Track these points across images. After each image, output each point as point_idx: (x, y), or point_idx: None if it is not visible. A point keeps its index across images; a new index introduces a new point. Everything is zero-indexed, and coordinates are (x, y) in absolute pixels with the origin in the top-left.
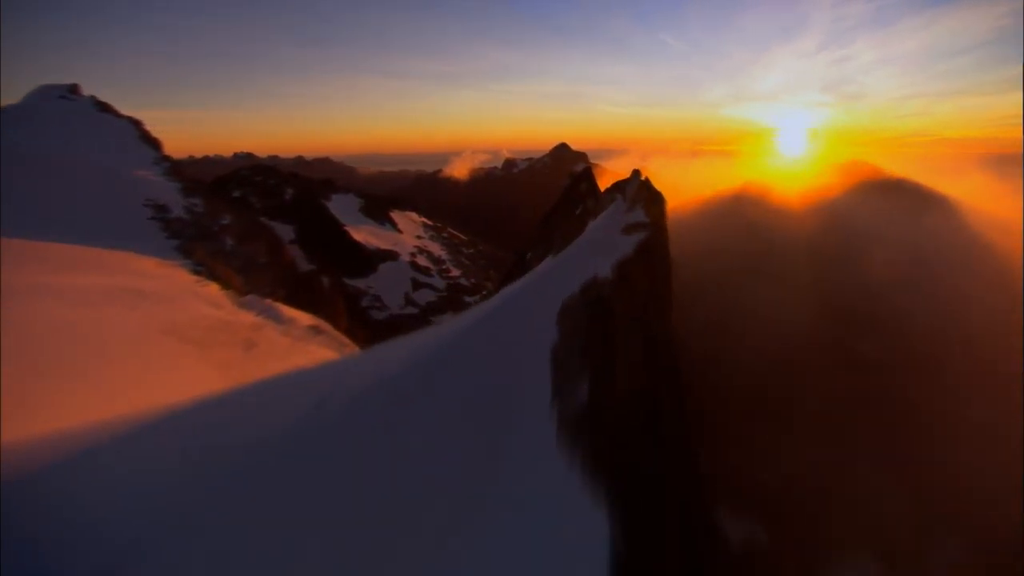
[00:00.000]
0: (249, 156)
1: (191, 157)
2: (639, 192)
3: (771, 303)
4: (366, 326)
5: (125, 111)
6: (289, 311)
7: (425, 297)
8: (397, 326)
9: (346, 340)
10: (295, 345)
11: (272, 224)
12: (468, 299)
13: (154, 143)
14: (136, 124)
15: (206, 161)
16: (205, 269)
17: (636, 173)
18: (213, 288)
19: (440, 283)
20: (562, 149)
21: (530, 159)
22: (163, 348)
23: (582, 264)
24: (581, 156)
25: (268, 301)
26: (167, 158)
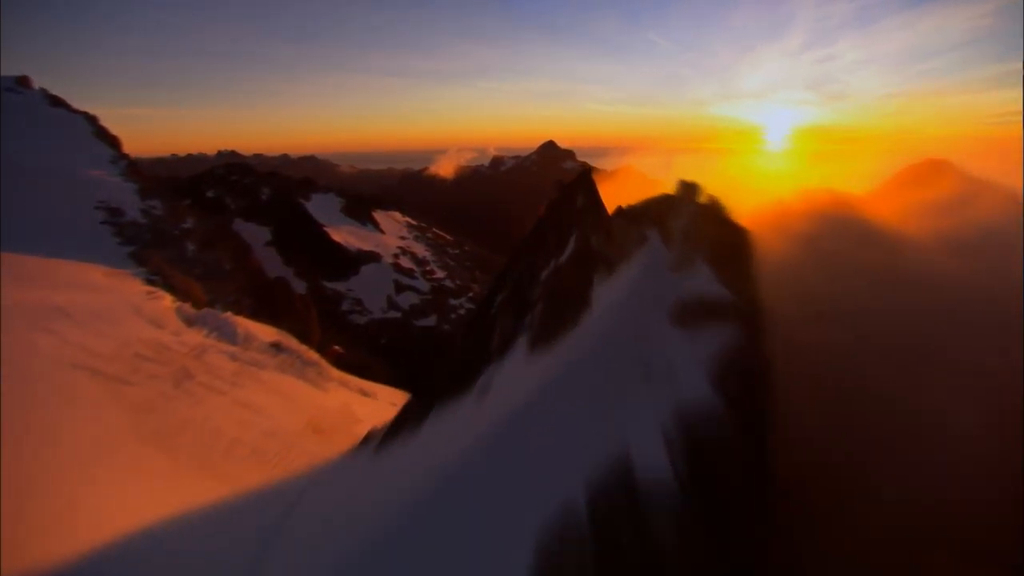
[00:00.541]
0: (233, 154)
1: (174, 155)
2: (696, 227)
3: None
4: (346, 331)
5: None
6: (249, 326)
7: (408, 300)
8: (378, 331)
9: (314, 357)
10: (244, 372)
11: (248, 225)
12: (453, 301)
13: (111, 140)
14: (91, 120)
15: (189, 159)
16: (160, 279)
17: (685, 187)
18: (164, 302)
19: (424, 285)
20: (550, 147)
21: (517, 157)
22: (64, 389)
23: (606, 435)
24: (569, 154)
25: (225, 315)
26: (125, 156)
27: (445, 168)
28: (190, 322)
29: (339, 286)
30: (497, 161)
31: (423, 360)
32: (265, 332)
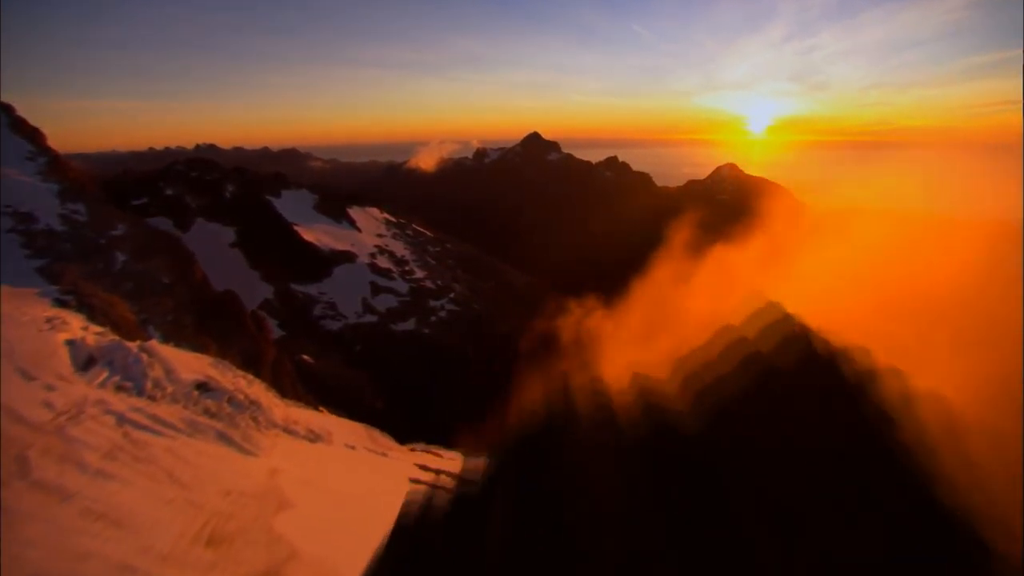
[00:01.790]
0: (212, 147)
1: (151, 149)
2: None
3: None
4: (317, 338)
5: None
6: (174, 359)
7: (386, 303)
8: (353, 337)
9: (256, 394)
10: (127, 447)
11: (211, 226)
12: (434, 303)
13: (29, 133)
14: (7, 110)
15: (167, 153)
16: (74, 298)
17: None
18: (60, 334)
19: (403, 286)
20: (534, 139)
21: (502, 149)
22: None
23: None
24: (553, 146)
25: (136, 346)
26: (47, 151)
27: (426, 161)
28: (86, 363)
29: (310, 289)
30: (481, 153)
31: (401, 367)
32: (194, 365)
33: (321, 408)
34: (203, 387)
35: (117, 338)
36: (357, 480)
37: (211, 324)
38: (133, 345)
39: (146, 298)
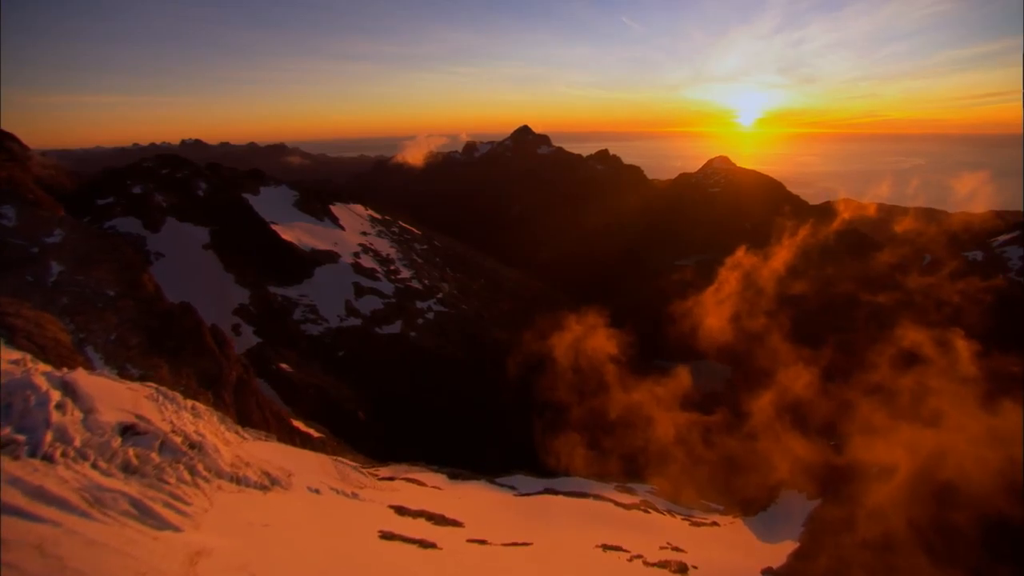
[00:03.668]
0: (198, 143)
1: (136, 145)
2: None
3: None
4: (297, 344)
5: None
6: (96, 394)
7: (370, 305)
8: (335, 342)
9: (199, 433)
10: None
11: (182, 226)
12: (420, 304)
13: None
14: None
15: (152, 149)
16: None
17: None
18: None
19: (388, 287)
20: (524, 132)
21: (492, 142)
22: None
23: None
24: (543, 139)
25: (48, 380)
26: None
27: (413, 155)
28: None
29: (290, 292)
30: (471, 147)
31: (386, 373)
32: (125, 399)
33: (297, 422)
34: (129, 431)
35: (28, 368)
36: (314, 544)
37: (163, 342)
38: (43, 381)
39: (85, 314)
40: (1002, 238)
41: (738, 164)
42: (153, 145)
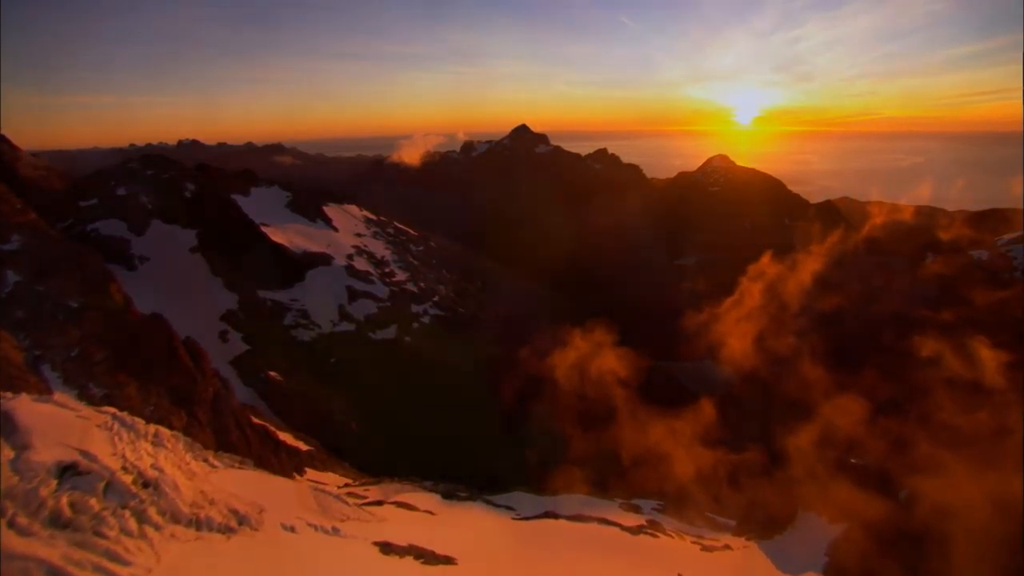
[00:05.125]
0: (195, 143)
1: (132, 145)
2: None
3: None
4: (288, 351)
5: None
6: (37, 422)
7: (364, 309)
8: (328, 348)
9: (164, 464)
10: None
11: (169, 228)
12: (416, 308)
13: None
14: None
15: (148, 149)
16: None
17: None
18: None
19: (383, 291)
20: (522, 131)
21: (490, 142)
22: None
23: None
24: (542, 138)
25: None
26: None
27: (409, 155)
28: None
29: (280, 296)
30: (469, 146)
31: (380, 381)
32: (71, 431)
33: (285, 435)
34: (69, 471)
35: None
36: None
37: (131, 358)
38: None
39: (43, 329)
40: (1007, 237)
41: (737, 163)
42: (150, 145)
